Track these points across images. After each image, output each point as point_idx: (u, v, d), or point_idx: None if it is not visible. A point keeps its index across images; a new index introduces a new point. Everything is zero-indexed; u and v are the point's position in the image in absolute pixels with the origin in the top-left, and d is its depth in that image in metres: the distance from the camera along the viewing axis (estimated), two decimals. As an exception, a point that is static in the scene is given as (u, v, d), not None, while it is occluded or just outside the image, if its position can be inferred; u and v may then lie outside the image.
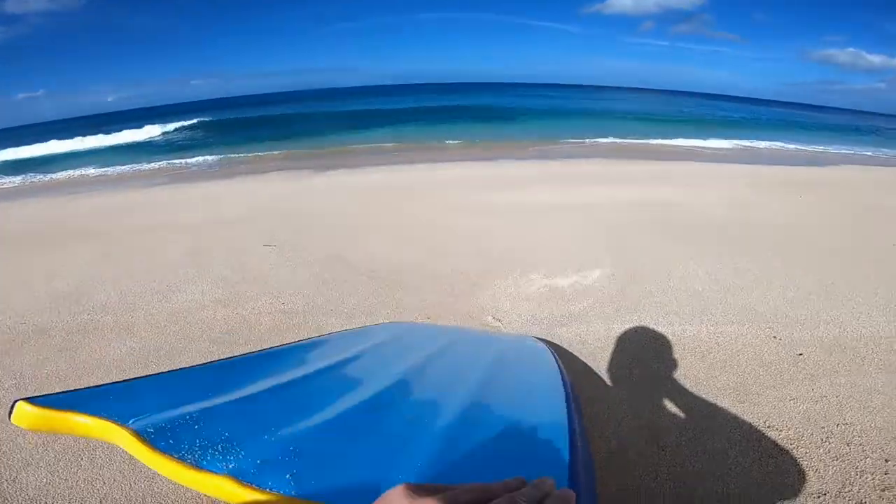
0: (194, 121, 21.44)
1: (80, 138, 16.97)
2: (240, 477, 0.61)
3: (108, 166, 12.50)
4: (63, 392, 0.74)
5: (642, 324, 2.49)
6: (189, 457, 0.64)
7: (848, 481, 1.38)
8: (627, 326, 2.47)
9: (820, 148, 13.72)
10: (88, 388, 0.79)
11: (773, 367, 2.04)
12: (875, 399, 1.80)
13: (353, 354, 1.18)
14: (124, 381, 0.85)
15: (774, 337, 2.31)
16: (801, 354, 2.14)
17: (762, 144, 14.05)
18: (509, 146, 13.01)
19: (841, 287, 2.88)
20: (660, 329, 2.42)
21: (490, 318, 2.64)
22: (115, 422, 0.67)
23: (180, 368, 1.00)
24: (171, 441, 0.65)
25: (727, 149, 13.04)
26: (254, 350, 1.20)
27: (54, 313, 2.82)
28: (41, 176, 11.62)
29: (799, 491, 1.34)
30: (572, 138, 14.06)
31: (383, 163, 10.03)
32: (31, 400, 0.66)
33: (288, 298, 2.93)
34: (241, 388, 0.86)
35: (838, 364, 2.06)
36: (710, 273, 3.13)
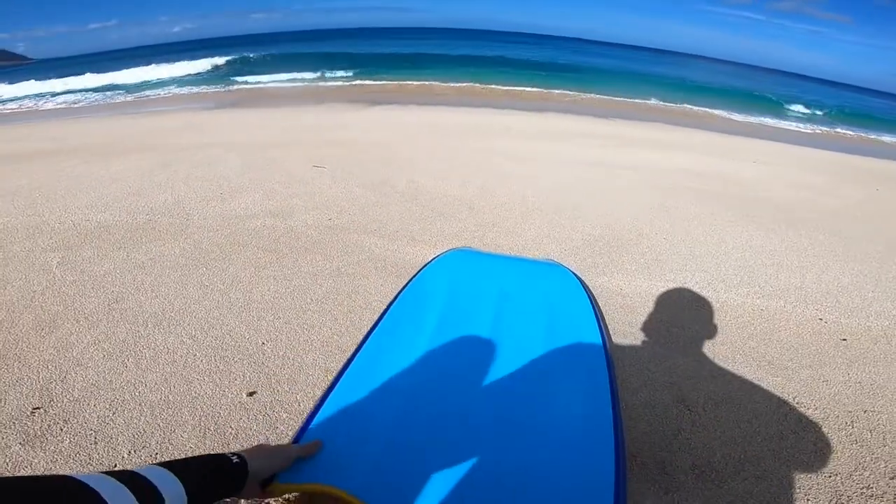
0: (251, 54, 21.23)
1: (145, 67, 17.07)
2: None
3: (170, 91, 12.64)
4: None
5: (686, 286, 2.42)
6: None
7: (861, 465, 1.38)
8: (671, 286, 2.40)
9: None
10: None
11: (813, 348, 1.99)
12: (910, 393, 1.77)
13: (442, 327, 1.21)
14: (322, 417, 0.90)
15: (820, 319, 2.22)
16: (844, 340, 2.07)
17: (847, 132, 12.92)
18: (573, 99, 12.35)
19: (900, 281, 2.74)
20: (703, 293, 2.36)
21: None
22: (346, 491, 0.75)
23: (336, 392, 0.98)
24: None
25: (808, 132, 12.13)
26: (366, 337, 1.11)
27: (115, 213, 2.80)
28: (111, 98, 11.89)
29: (812, 467, 1.35)
30: (635, 98, 13.29)
31: (432, 102, 9.80)
32: (282, 481, 0.75)
33: (335, 215, 2.95)
34: (410, 419, 0.92)
35: (880, 354, 1.99)
36: (765, 248, 2.99)
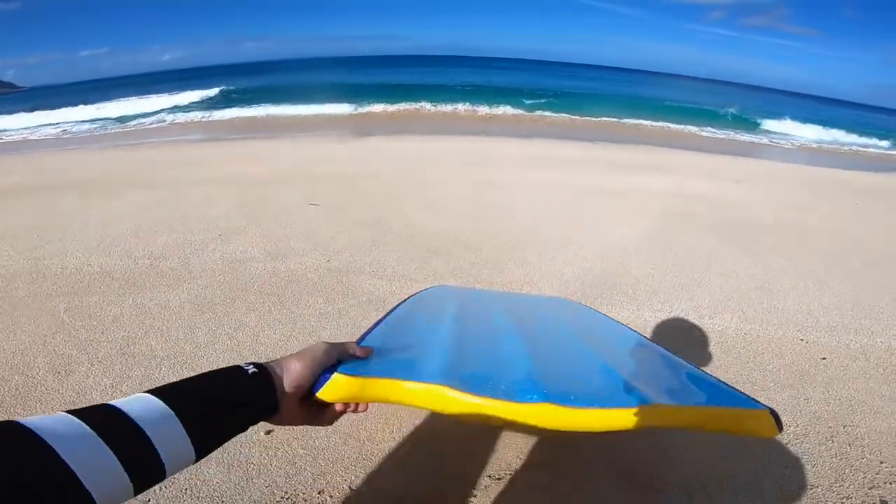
0: (242, 84, 21.80)
1: (137, 97, 17.44)
2: (552, 400, 0.68)
3: (162, 120, 12.93)
4: (350, 363, 0.75)
5: (673, 314, 2.56)
6: (498, 393, 0.70)
7: (841, 477, 1.48)
8: (659, 315, 2.55)
9: (889, 152, 12.96)
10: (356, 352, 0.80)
11: (794, 368, 2.12)
12: (887, 406, 1.88)
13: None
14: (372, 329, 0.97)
15: (801, 339, 2.37)
16: (824, 359, 2.21)
17: (826, 145, 13.49)
18: (558, 124, 12.72)
19: (879, 299, 2.88)
20: (690, 321, 2.50)
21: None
22: (419, 381, 0.71)
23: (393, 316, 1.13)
24: (478, 386, 0.71)
25: (787, 147, 12.63)
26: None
27: (116, 257, 2.94)
28: (103, 128, 12.19)
29: (794, 480, 1.45)
30: (616, 119, 13.74)
31: (423, 131, 10.13)
32: (344, 372, 0.69)
33: (333, 256, 3.10)
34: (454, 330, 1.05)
35: (860, 371, 2.13)
36: (749, 271, 3.17)
